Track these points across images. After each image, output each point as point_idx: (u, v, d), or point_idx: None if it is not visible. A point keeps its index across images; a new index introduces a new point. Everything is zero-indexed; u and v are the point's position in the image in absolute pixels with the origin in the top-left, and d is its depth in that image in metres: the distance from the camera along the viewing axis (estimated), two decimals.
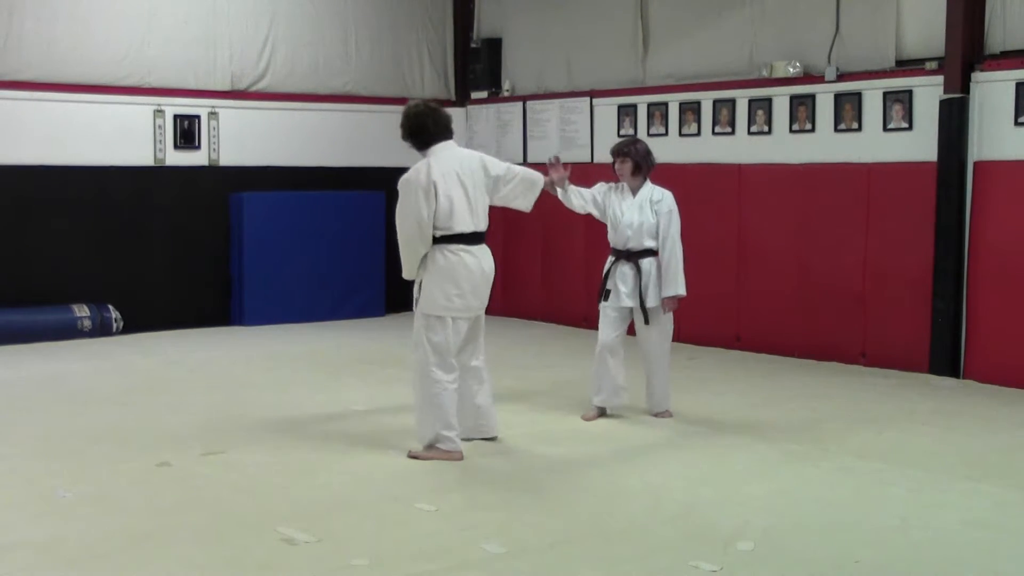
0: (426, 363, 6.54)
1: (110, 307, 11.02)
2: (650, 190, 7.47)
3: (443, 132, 6.68)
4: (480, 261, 6.62)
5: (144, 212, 11.42)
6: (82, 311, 10.84)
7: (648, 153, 7.49)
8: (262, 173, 11.97)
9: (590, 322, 11.59)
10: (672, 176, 10.92)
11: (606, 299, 7.50)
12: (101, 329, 10.87)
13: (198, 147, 11.69)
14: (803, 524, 5.40)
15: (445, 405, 6.52)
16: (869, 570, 4.83)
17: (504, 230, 11.86)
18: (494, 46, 12.94)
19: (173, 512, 5.56)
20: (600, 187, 7.57)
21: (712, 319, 10.63)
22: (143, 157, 11.40)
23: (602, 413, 7.54)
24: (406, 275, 6.73)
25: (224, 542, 5.12)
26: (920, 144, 9.21)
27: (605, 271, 7.57)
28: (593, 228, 11.56)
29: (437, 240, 6.52)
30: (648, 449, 6.84)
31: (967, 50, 8.91)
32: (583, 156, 11.81)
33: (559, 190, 7.19)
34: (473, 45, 13.13)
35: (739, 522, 5.39)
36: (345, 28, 12.51)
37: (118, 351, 10.23)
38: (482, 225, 6.67)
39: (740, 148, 10.49)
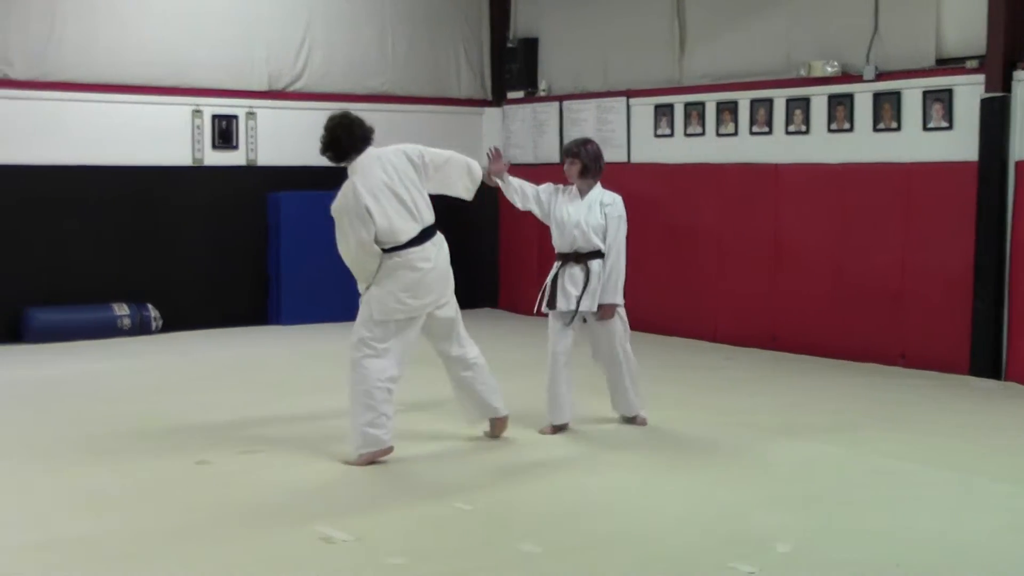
0: (364, 357, 6.38)
1: (149, 306, 11.11)
2: (600, 193, 7.17)
3: (359, 144, 6.51)
4: (429, 261, 6.47)
5: (182, 212, 11.50)
6: (122, 310, 10.94)
7: (599, 156, 7.21)
8: (299, 173, 12.00)
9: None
10: (709, 176, 10.94)
11: (552, 305, 7.13)
12: (140, 328, 10.96)
13: (236, 147, 11.76)
14: (841, 526, 5.37)
15: (377, 399, 6.34)
16: (908, 573, 4.79)
17: (540, 228, 11.83)
18: (530, 46, 12.93)
19: (211, 510, 5.60)
20: (547, 187, 7.29)
21: (748, 319, 10.59)
22: (181, 157, 11.48)
23: (562, 429, 7.18)
24: (362, 291, 6.56)
25: (261, 540, 5.15)
26: (961, 143, 9.13)
27: (551, 276, 7.18)
28: (628, 226, 11.54)
29: (386, 250, 6.41)
30: (684, 450, 6.81)
31: (1009, 48, 8.81)
32: (620, 156, 11.78)
33: (499, 182, 7.06)
34: (509, 45, 13.13)
35: (776, 524, 5.37)
36: (382, 28, 12.55)
37: (157, 350, 10.31)
38: (428, 220, 6.52)
39: (777, 148, 10.43)
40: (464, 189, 6.83)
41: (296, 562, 4.87)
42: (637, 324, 11.41)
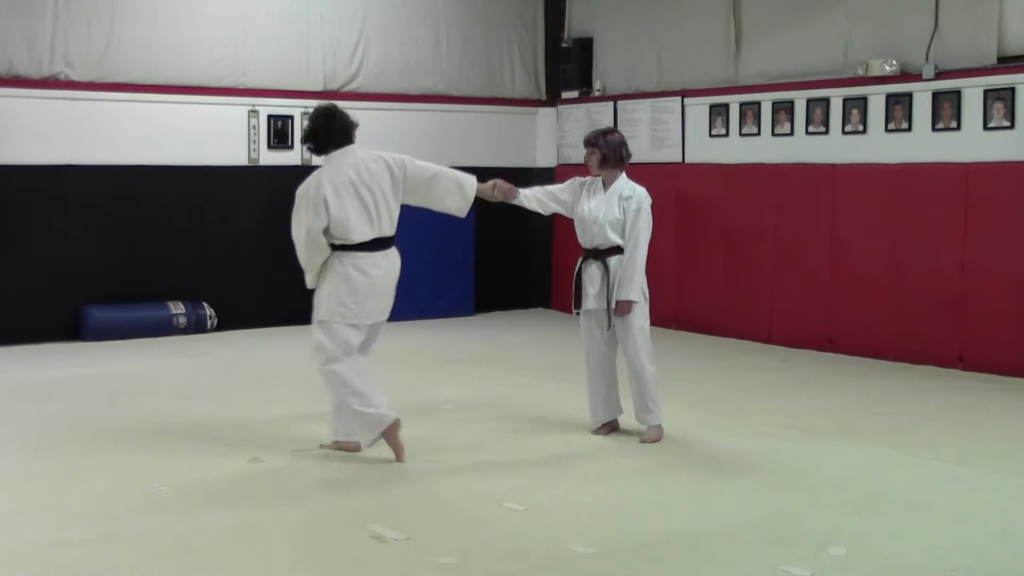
0: (327, 363, 6.45)
1: (205, 305, 11.22)
2: (622, 185, 6.88)
3: (339, 138, 6.50)
4: (379, 268, 6.44)
5: (238, 211, 11.59)
6: (178, 308, 11.06)
7: (619, 145, 6.90)
8: None
9: (679, 323, 11.53)
10: (765, 177, 10.85)
11: (577, 305, 6.99)
12: (196, 326, 11.07)
13: (291, 147, 11.84)
14: (897, 530, 5.30)
15: (358, 387, 6.39)
16: None
17: None
18: (585, 46, 12.91)
19: (264, 508, 5.63)
20: (571, 183, 7.08)
21: (804, 321, 10.49)
22: (238, 157, 11.58)
23: (613, 428, 7.10)
24: (308, 284, 6.60)
25: (314, 539, 5.18)
26: (1022, 143, 8.98)
27: (576, 273, 7.02)
28: (683, 227, 11.49)
29: (336, 248, 6.42)
30: (738, 452, 6.76)
31: None
32: (674, 156, 11.73)
33: (513, 200, 6.91)
34: (564, 45, 13.11)
35: (831, 527, 5.31)
36: (436, 29, 12.57)
37: (212, 348, 10.40)
38: (387, 231, 6.46)
39: (834, 148, 10.32)
40: (455, 206, 6.63)
41: (347, 560, 4.89)
42: (691, 325, 11.43)
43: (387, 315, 6.60)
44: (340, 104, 11.97)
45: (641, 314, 6.92)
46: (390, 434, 6.43)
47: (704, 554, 4.99)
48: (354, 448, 6.64)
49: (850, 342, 10.10)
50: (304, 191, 6.46)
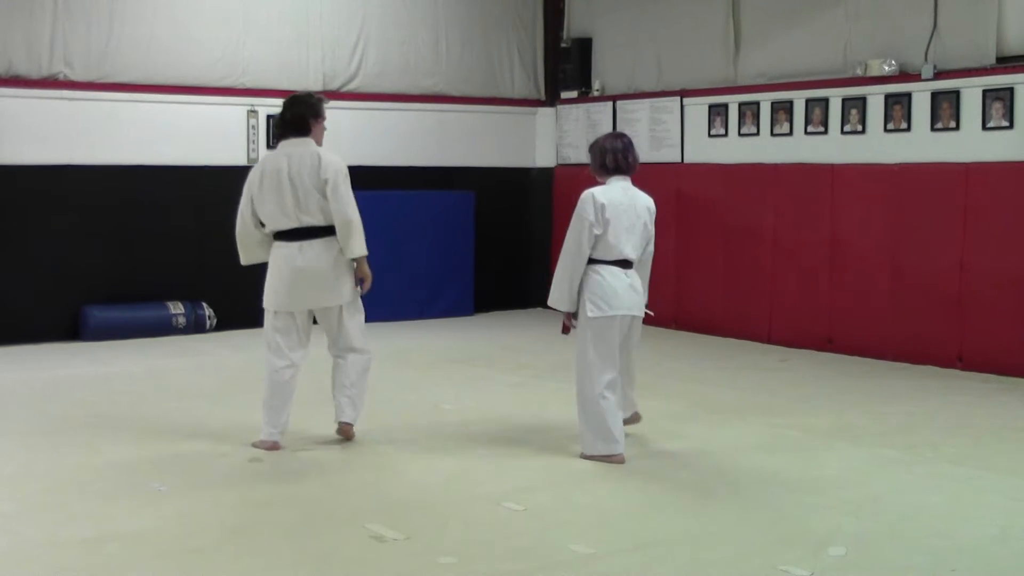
0: (265, 348, 6.77)
1: (204, 304, 11.21)
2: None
3: (287, 128, 6.64)
4: (293, 258, 6.56)
5: (237, 211, 11.55)
6: (177, 308, 11.06)
7: (602, 151, 6.55)
8: (352, 172, 11.87)
9: (678, 323, 11.54)
10: (764, 176, 10.85)
11: None
12: (195, 326, 11.07)
13: None
14: (896, 530, 5.30)
15: (268, 391, 6.66)
16: None
17: None
18: (584, 46, 12.91)
19: (264, 507, 5.63)
20: None
21: (804, 321, 10.49)
22: (236, 157, 11.57)
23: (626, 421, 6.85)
24: (241, 262, 6.98)
25: (314, 538, 5.17)
26: (1021, 143, 8.98)
27: None
28: (682, 227, 11.50)
29: (274, 236, 6.70)
30: (738, 452, 6.76)
31: None
32: (673, 156, 11.73)
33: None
34: (563, 45, 13.12)
35: (831, 527, 5.31)
36: (436, 28, 12.57)
37: (211, 348, 10.40)
38: (305, 221, 6.55)
39: (833, 148, 10.32)
40: (344, 248, 6.64)
41: (347, 560, 4.89)
42: (691, 325, 11.43)
43: (328, 303, 6.71)
44: (338, 104, 12.07)
45: (582, 330, 6.50)
46: (259, 444, 6.67)
47: (703, 554, 4.99)
48: (347, 432, 6.80)
49: (850, 342, 10.10)
50: (247, 177, 6.75)
